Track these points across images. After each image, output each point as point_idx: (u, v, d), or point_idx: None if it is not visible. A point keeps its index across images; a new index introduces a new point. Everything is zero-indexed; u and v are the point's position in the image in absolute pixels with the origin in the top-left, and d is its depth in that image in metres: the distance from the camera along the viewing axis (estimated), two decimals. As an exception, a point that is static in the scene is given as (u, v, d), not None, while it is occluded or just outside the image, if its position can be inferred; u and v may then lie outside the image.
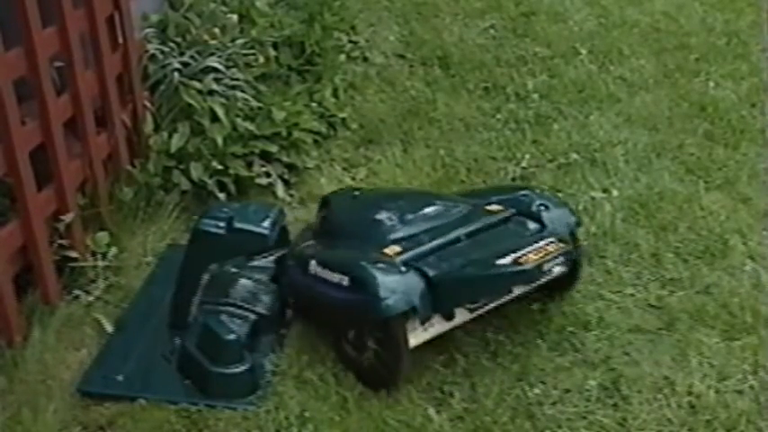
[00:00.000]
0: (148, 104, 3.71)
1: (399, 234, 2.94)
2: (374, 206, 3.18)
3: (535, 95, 4.49)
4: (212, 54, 3.87)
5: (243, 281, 3.10)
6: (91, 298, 3.16)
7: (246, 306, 2.99)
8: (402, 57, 4.92)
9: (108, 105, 3.45)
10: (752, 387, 2.79)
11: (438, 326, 2.80)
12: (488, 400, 2.76)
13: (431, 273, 2.72)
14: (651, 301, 3.15)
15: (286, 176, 3.82)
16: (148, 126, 3.67)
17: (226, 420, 2.73)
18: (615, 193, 3.72)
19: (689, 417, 2.70)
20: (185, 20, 3.95)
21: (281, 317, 3.08)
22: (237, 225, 2.91)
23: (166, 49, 3.80)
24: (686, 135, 4.13)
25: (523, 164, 3.95)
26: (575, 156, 3.98)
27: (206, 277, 3.06)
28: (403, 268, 2.74)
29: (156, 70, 3.76)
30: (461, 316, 2.84)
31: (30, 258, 3.02)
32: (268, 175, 3.77)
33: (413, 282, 2.70)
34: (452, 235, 2.89)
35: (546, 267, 2.67)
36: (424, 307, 2.68)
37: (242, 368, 2.82)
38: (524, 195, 3.12)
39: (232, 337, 2.84)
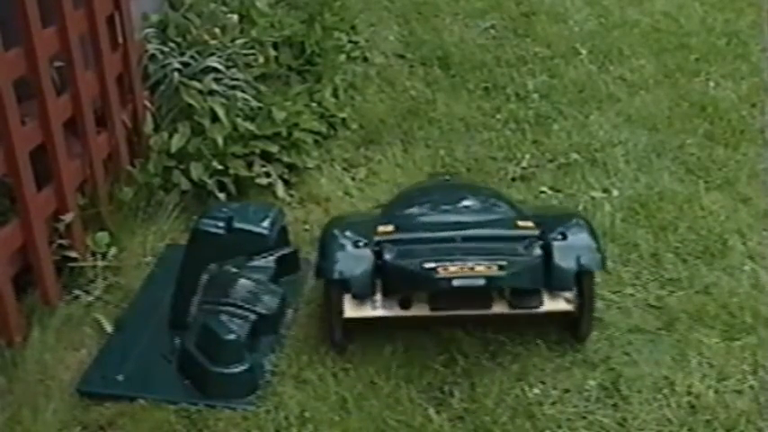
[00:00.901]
0: (148, 104, 3.71)
1: (416, 220, 3.03)
2: (425, 191, 3.35)
3: (535, 95, 4.48)
4: (212, 54, 3.86)
5: (243, 281, 3.10)
6: (91, 298, 3.16)
7: (246, 306, 2.99)
8: (402, 57, 4.92)
9: (108, 105, 3.45)
10: (752, 387, 2.80)
11: (390, 310, 2.88)
12: (488, 400, 2.76)
13: (387, 257, 2.80)
14: (651, 301, 3.16)
15: (286, 176, 3.82)
16: (148, 126, 3.67)
17: (226, 420, 2.73)
18: (615, 193, 3.72)
19: (689, 417, 2.70)
20: (185, 20, 3.95)
21: (281, 317, 3.08)
22: (237, 225, 2.91)
23: (166, 49, 3.80)
24: (686, 135, 4.13)
25: (523, 164, 3.95)
26: (575, 156, 3.98)
27: (206, 277, 3.06)
28: (362, 243, 2.85)
29: (156, 70, 3.76)
30: (419, 310, 2.89)
31: (29, 258, 3.02)
32: (268, 175, 3.77)
33: (362, 258, 2.82)
34: (452, 233, 2.90)
35: (456, 283, 2.66)
36: (361, 283, 2.79)
37: (242, 368, 2.82)
38: (556, 220, 3.00)
39: (232, 337, 2.84)
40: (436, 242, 2.87)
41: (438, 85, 4.64)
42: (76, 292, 3.17)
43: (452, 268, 2.68)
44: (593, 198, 3.69)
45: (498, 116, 4.34)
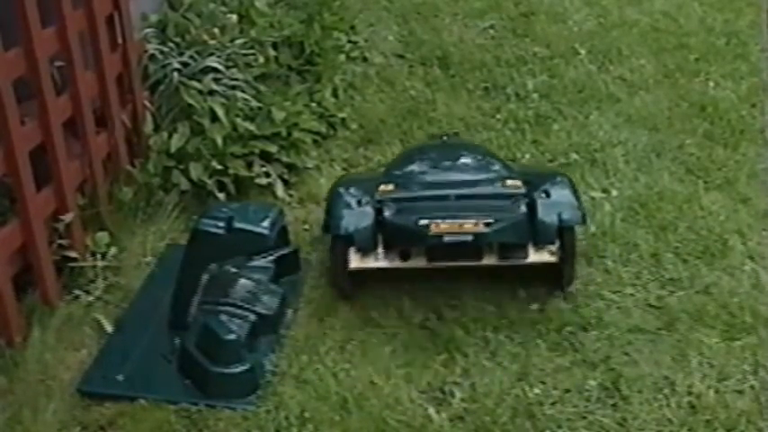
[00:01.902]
0: (148, 104, 3.71)
1: (414, 179, 3.26)
2: (423, 150, 3.59)
3: (535, 95, 4.48)
4: (212, 54, 3.86)
5: (243, 281, 3.10)
6: (91, 298, 3.16)
7: (246, 306, 2.99)
8: (401, 57, 4.92)
9: (108, 105, 3.45)
10: (752, 387, 2.80)
11: (391, 262, 3.12)
12: (488, 400, 2.76)
13: (386, 213, 3.06)
14: (651, 301, 3.16)
15: (286, 176, 3.82)
16: (148, 126, 3.67)
17: (226, 420, 2.73)
18: (615, 193, 3.72)
19: (689, 417, 2.70)
20: (185, 20, 3.95)
21: (281, 317, 3.08)
22: (237, 225, 2.91)
23: (166, 49, 3.80)
24: (686, 135, 4.13)
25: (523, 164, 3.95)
26: (575, 156, 3.98)
27: (206, 277, 3.06)
28: (365, 201, 3.11)
29: (156, 70, 3.76)
30: (417, 261, 3.12)
31: (29, 258, 3.02)
32: (268, 175, 3.77)
33: (364, 215, 3.08)
34: (446, 192, 3.14)
35: (447, 239, 2.94)
36: (364, 238, 3.06)
37: (242, 368, 2.82)
38: (542, 179, 3.22)
39: (232, 337, 2.84)
40: (431, 200, 3.12)
41: (437, 85, 4.64)
42: (76, 292, 3.17)
43: (444, 225, 2.95)
44: (592, 198, 3.68)
45: (498, 116, 4.33)
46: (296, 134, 3.88)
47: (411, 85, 4.63)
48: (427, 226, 2.95)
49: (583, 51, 4.89)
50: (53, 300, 3.09)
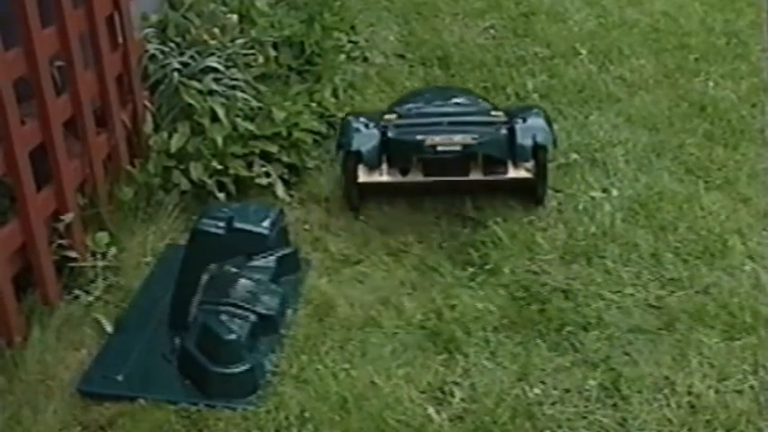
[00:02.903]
0: (148, 104, 3.71)
1: (414, 111, 3.77)
2: (421, 92, 4.20)
3: (535, 95, 4.48)
4: (212, 54, 3.87)
5: (243, 281, 3.11)
6: (91, 298, 3.16)
7: (246, 306, 2.99)
8: (402, 57, 4.92)
9: (108, 105, 3.45)
10: (752, 387, 2.79)
11: (393, 177, 3.65)
12: (488, 400, 2.76)
13: (390, 134, 3.58)
14: (651, 301, 3.16)
15: (286, 176, 3.82)
16: (148, 126, 3.67)
17: (226, 420, 2.73)
18: (615, 193, 3.72)
19: (689, 417, 2.70)
20: (185, 20, 3.95)
21: (281, 317, 3.08)
22: (237, 225, 2.91)
23: (166, 49, 3.80)
24: (686, 135, 4.13)
25: (523, 164, 3.95)
26: (575, 156, 3.98)
27: (206, 277, 3.06)
28: (372, 125, 3.64)
29: (156, 70, 3.76)
30: (415, 176, 3.64)
31: (29, 258, 3.01)
32: (268, 175, 3.77)
33: (371, 136, 3.60)
34: (440, 119, 3.64)
35: (440, 148, 3.50)
36: (371, 155, 3.57)
37: (242, 368, 2.82)
38: (520, 111, 3.77)
39: (232, 337, 2.84)
40: (428, 125, 3.62)
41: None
42: (76, 292, 3.17)
43: (437, 138, 3.51)
44: (593, 198, 3.69)
45: (498, 116, 4.33)
46: (296, 134, 3.88)
47: (411, 85, 4.63)
48: (424, 140, 3.51)
49: (583, 51, 4.89)
50: (53, 300, 3.09)
